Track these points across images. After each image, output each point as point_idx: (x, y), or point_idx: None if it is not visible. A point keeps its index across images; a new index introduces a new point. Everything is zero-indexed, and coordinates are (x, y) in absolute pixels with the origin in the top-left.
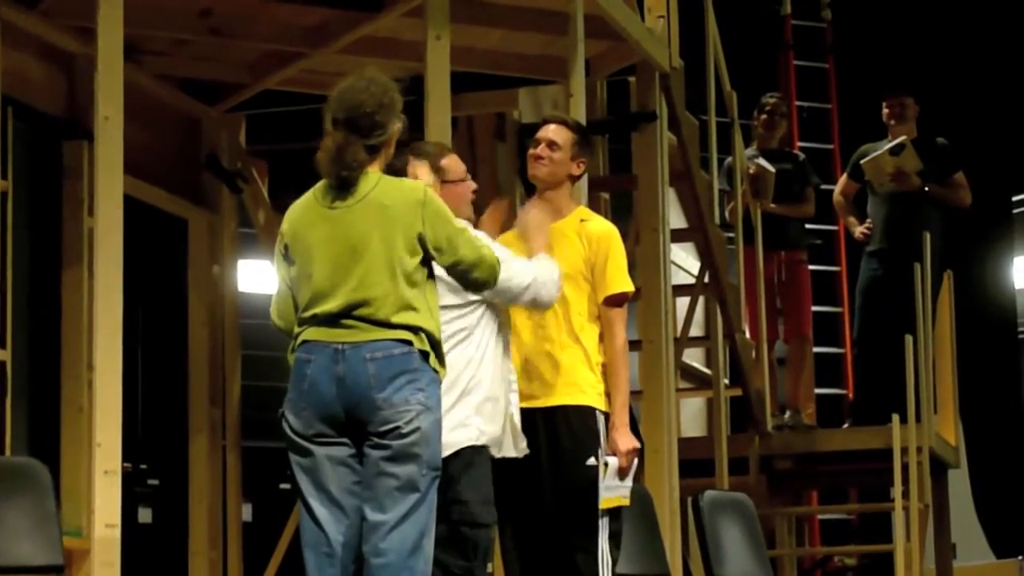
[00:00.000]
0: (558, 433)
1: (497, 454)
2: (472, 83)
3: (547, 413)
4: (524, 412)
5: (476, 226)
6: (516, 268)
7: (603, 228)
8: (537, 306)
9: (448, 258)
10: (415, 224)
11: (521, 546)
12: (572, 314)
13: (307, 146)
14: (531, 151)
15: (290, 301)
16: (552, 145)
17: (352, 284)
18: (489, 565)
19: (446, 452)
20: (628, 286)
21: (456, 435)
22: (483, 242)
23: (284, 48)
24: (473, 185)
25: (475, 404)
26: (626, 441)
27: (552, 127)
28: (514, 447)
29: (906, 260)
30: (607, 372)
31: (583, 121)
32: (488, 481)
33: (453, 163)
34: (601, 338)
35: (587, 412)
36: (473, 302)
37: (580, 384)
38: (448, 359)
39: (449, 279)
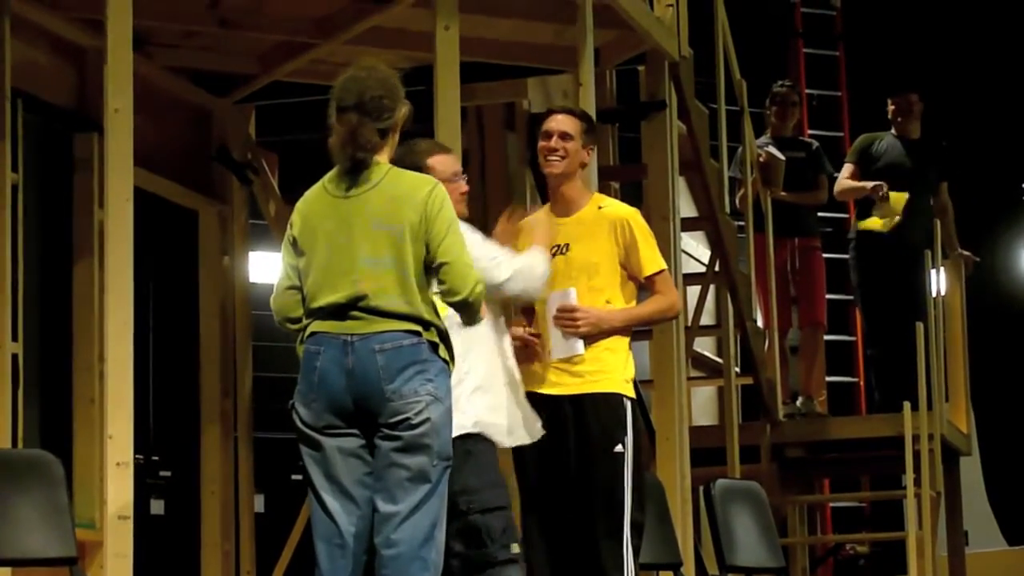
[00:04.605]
0: (585, 420)
1: (508, 443)
2: (481, 73)
3: (574, 400)
4: (551, 399)
5: (488, 233)
6: (504, 264)
7: (624, 210)
8: (522, 297)
9: (437, 258)
10: (421, 216)
11: (547, 533)
12: (601, 301)
13: (317, 137)
14: (543, 144)
15: (295, 295)
16: (565, 136)
17: (358, 274)
18: (515, 545)
19: None
20: (661, 264)
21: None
22: (473, 259)
23: (293, 39)
24: (464, 186)
25: (465, 394)
26: (599, 315)
27: (560, 117)
28: (528, 434)
29: (893, 251)
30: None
31: (592, 110)
32: (492, 466)
33: (441, 162)
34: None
35: (614, 399)
36: None
37: (607, 371)
38: None
39: None
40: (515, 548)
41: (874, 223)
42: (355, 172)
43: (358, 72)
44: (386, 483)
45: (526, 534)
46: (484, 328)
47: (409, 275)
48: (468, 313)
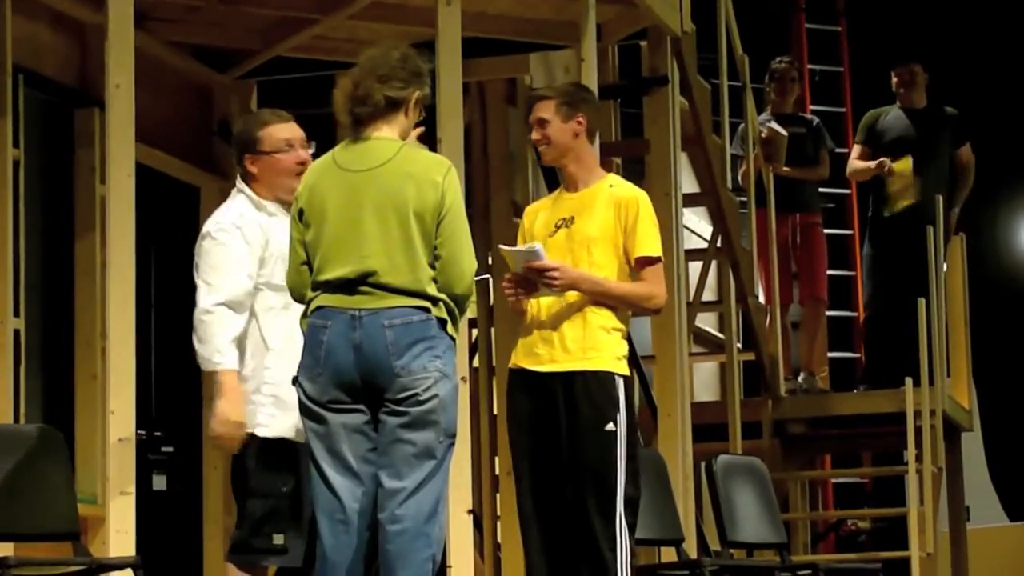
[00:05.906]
0: (575, 399)
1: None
2: (483, 48)
3: (566, 378)
4: (543, 376)
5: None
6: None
7: (631, 192)
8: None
9: (440, 248)
10: (434, 196)
11: (541, 512)
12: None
13: (319, 112)
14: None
15: (306, 270)
16: (541, 123)
17: (367, 250)
18: (279, 536)
19: None
20: (656, 251)
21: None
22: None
23: (295, 14)
24: (302, 155)
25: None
26: (573, 277)
27: (535, 106)
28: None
29: (910, 227)
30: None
31: (594, 85)
32: (291, 459)
33: (270, 133)
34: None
35: (606, 377)
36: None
37: (600, 348)
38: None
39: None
40: (277, 539)
41: (899, 204)
42: (356, 131)
43: (383, 46)
44: (391, 459)
45: (521, 513)
46: (278, 327)
47: (418, 252)
48: (461, 307)
